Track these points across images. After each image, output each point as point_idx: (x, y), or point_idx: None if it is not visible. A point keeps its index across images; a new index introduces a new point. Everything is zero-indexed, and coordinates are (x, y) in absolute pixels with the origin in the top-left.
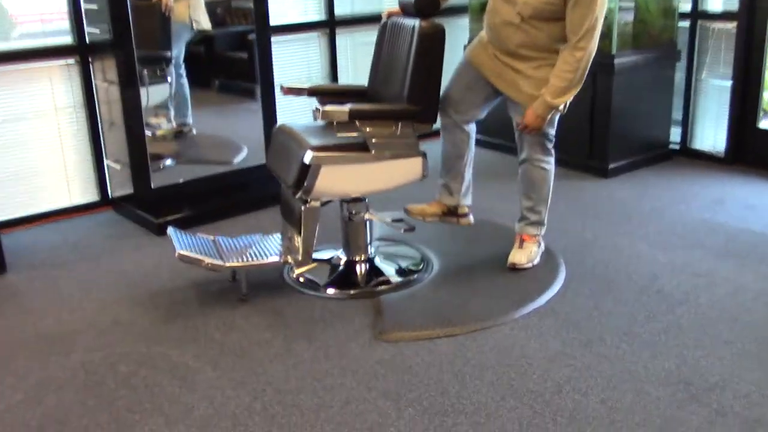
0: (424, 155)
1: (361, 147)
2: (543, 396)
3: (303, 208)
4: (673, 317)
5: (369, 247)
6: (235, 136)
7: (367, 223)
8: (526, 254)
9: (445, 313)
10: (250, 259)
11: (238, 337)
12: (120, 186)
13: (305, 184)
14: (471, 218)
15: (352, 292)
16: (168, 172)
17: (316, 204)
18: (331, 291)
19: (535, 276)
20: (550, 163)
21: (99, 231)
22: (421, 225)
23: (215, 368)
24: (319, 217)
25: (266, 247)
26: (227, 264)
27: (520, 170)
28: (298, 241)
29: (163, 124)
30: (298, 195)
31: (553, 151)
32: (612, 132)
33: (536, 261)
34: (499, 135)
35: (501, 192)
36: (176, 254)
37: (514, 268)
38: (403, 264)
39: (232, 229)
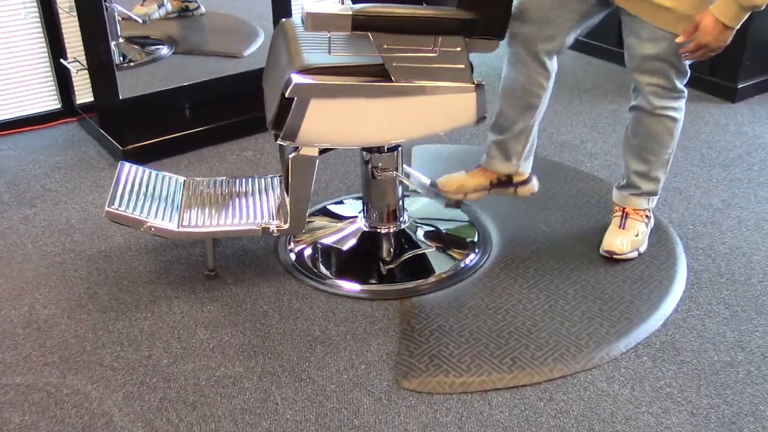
0: (479, 86)
1: (378, 71)
2: None
3: (291, 156)
4: None
5: (400, 214)
6: (252, 15)
7: (399, 182)
8: (629, 237)
9: (507, 342)
10: (219, 220)
11: (193, 368)
12: (85, 92)
13: (286, 123)
14: (535, 183)
15: (370, 287)
16: (156, 69)
17: (312, 152)
18: (340, 283)
19: (642, 274)
20: (680, 109)
21: (51, 155)
22: None
23: (149, 430)
24: (315, 170)
25: (255, 198)
26: (180, 229)
27: (630, 117)
28: (287, 201)
29: (154, 12)
30: (279, 139)
31: (685, 91)
32: (747, 38)
33: (643, 248)
34: None
35: (588, 119)
36: (104, 212)
37: (612, 258)
38: (449, 236)
39: (224, 163)
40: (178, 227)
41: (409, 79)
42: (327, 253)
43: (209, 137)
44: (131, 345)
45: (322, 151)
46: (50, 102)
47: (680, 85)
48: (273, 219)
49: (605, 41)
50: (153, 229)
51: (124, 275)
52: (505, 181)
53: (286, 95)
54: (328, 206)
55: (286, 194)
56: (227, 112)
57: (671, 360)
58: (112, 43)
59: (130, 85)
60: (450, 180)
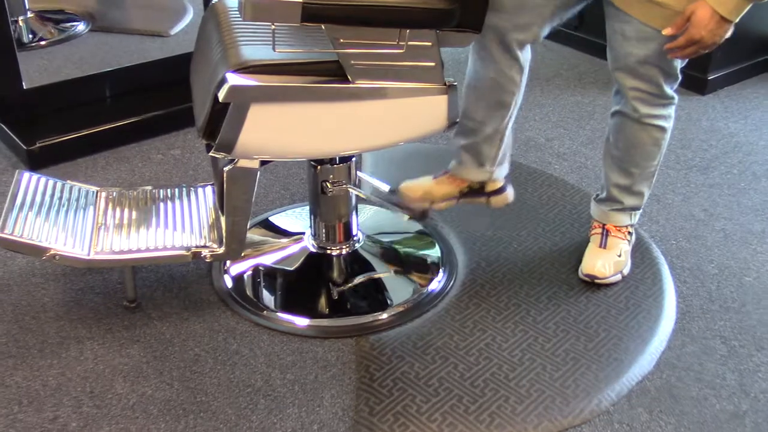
0: (451, 87)
1: (332, 71)
2: None
3: (226, 169)
4: None
5: (354, 232)
6: None
7: (353, 196)
8: (611, 259)
9: (482, 392)
10: (140, 243)
11: None
12: None
13: (221, 133)
14: (510, 193)
15: (320, 322)
16: (70, 50)
17: (252, 163)
18: (285, 317)
19: (628, 302)
20: (669, 117)
21: None
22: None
23: None
24: (255, 185)
25: (184, 213)
26: (92, 256)
27: (612, 124)
28: (222, 220)
29: None
30: (213, 151)
31: (675, 97)
32: None
33: (626, 270)
34: None
35: (552, 113)
36: None
37: (593, 282)
38: (409, 257)
39: (148, 163)
40: (89, 254)
41: (370, 79)
42: (269, 278)
43: (130, 133)
44: (32, 403)
45: (264, 162)
46: None
47: (669, 90)
48: (205, 241)
49: (566, 24)
50: (58, 257)
51: (26, 309)
52: (477, 190)
53: (220, 99)
54: (270, 218)
55: (220, 212)
56: (151, 103)
57: (669, 411)
58: (19, 18)
59: (40, 68)
60: (414, 187)
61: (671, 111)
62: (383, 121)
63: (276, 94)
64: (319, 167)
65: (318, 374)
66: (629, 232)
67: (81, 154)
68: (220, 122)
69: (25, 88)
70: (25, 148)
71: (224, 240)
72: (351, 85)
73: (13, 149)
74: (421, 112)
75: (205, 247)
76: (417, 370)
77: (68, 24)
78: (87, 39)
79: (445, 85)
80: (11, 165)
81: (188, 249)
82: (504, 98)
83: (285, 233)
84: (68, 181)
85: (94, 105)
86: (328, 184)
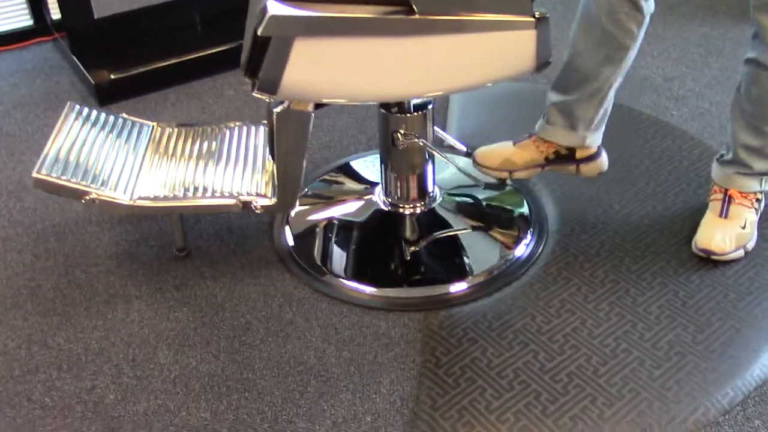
0: (541, 20)
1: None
2: None
3: (276, 111)
4: None
5: (430, 189)
6: None
7: (427, 151)
8: (733, 231)
9: (565, 389)
10: (189, 188)
11: (146, 410)
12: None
13: (262, 71)
14: (603, 160)
15: (385, 292)
16: None
17: (303, 106)
18: (347, 284)
19: (750, 284)
20: None
21: (15, 86)
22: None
23: None
24: (309, 130)
25: (240, 156)
26: (133, 201)
27: (744, 73)
28: (274, 169)
29: None
30: (256, 90)
31: None
32: None
33: (751, 244)
34: None
35: (674, 48)
36: (31, 178)
37: (709, 258)
38: (493, 216)
39: (219, 99)
40: (131, 199)
41: (440, 9)
42: (333, 237)
43: (204, 66)
44: (71, 369)
45: (319, 105)
46: (20, 18)
47: None
48: (259, 189)
49: None
50: (98, 201)
51: (78, 261)
52: (566, 156)
53: (259, 32)
54: (350, 162)
55: (271, 159)
56: (226, 33)
57: None
58: None
59: None
60: (492, 153)
61: None
62: (456, 61)
63: (324, 26)
64: (390, 115)
65: (378, 353)
66: (757, 199)
67: (151, 89)
68: (262, 58)
69: (95, 17)
70: (93, 82)
71: (277, 188)
72: (416, 17)
73: (84, 83)
74: (503, 50)
75: (257, 196)
76: (490, 356)
77: None
78: None
79: (533, 17)
80: (81, 99)
81: (238, 198)
82: (615, 53)
83: (361, 181)
84: (123, 115)
85: (165, 36)
86: (399, 136)
